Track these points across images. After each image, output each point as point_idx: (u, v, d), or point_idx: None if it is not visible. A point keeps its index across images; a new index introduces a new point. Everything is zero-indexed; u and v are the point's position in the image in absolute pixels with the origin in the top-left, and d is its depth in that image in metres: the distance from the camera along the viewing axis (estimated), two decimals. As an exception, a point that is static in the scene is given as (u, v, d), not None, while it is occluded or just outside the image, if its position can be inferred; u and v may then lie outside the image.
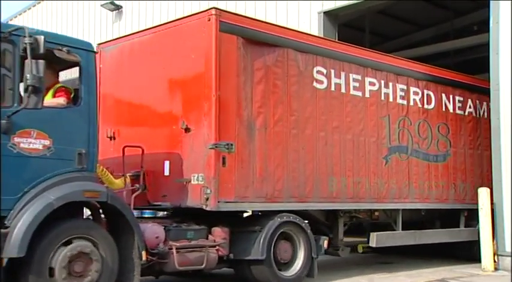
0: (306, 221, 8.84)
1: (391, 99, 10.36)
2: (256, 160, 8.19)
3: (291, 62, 8.75)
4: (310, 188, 8.87)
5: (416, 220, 11.80)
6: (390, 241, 10.50)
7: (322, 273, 9.49)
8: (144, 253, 6.60)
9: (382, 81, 10.23)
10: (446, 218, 12.01)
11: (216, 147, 7.69)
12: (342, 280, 9.53)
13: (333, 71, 9.37)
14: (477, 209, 11.76)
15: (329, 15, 14.20)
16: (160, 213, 9.94)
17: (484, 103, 12.41)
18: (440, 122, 11.34)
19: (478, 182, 11.98)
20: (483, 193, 11.05)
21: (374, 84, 10.07)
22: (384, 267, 11.29)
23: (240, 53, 8.11)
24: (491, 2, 11.22)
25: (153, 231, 7.11)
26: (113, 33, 17.70)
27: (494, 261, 10.70)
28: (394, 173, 10.29)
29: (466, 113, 12.01)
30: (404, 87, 10.66)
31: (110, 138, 8.73)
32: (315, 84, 9.08)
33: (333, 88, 9.35)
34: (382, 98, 10.21)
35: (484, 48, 12.54)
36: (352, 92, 9.65)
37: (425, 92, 11.10)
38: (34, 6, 23.32)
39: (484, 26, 13.09)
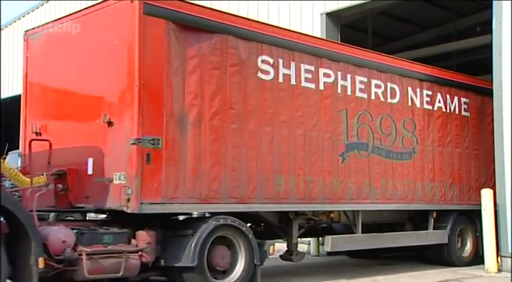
0: (249, 224, 7.97)
1: (349, 92, 9.39)
2: (189, 157, 7.25)
3: (231, 50, 7.81)
4: (253, 187, 7.92)
5: (384, 222, 11.04)
6: (348, 245, 9.58)
7: (324, 275, 9.36)
8: (41, 260, 5.67)
9: (339, 73, 9.27)
10: (418, 220, 11.18)
11: (138, 142, 6.74)
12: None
13: (281, 61, 8.42)
14: (447, 211, 11.06)
15: (331, 16, 13.93)
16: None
17: (455, 98, 11.48)
18: (405, 118, 10.35)
19: (447, 181, 11.06)
20: (486, 194, 10.70)
21: (329, 76, 9.11)
22: (387, 269, 10.71)
23: (170, 39, 7.17)
24: (494, 2, 10.70)
25: (58, 235, 6.13)
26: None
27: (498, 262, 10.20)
28: (353, 171, 9.34)
29: (435, 108, 11.03)
30: (365, 79, 9.69)
31: (36, 133, 7.88)
32: (259, 74, 8.14)
33: (281, 79, 8.40)
34: (339, 90, 9.24)
35: (486, 49, 12.20)
36: (303, 84, 8.69)
37: (389, 85, 10.13)
38: (42, 5, 22.46)
39: (486, 27, 12.57)
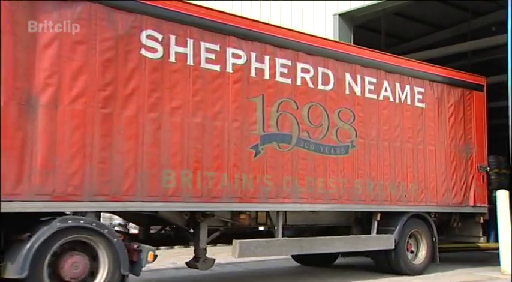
0: (116, 228, 6.60)
1: (266, 77, 7.87)
2: (39, 147, 5.81)
3: (102, 21, 6.35)
4: (131, 183, 6.45)
5: (328, 225, 9.59)
6: (262, 251, 7.92)
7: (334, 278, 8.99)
8: None
9: (254, 54, 7.77)
10: (367, 223, 9.69)
11: None
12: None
13: (173, 37, 6.99)
14: (396, 213, 9.54)
15: (344, 17, 13.55)
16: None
17: (407, 87, 9.91)
18: (342, 107, 8.81)
19: (395, 180, 9.46)
20: (502, 195, 10.30)
21: (239, 57, 7.62)
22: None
23: (8, 4, 5.89)
24: (509, 2, 9.42)
25: None
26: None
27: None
28: (270, 167, 7.82)
29: (381, 98, 9.45)
30: (289, 62, 8.20)
31: None
32: (143, 52, 6.74)
33: (172, 59, 6.97)
34: (253, 74, 7.76)
35: (502, 49, 11.54)
36: (204, 65, 7.20)
37: (321, 69, 8.57)
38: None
39: (502, 26, 11.96)
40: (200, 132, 7.13)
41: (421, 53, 16.68)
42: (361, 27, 15.25)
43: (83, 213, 6.49)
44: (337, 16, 13.59)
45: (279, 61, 8.05)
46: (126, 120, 6.47)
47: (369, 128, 9.20)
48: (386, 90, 9.53)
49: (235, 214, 8.00)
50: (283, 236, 8.42)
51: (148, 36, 6.75)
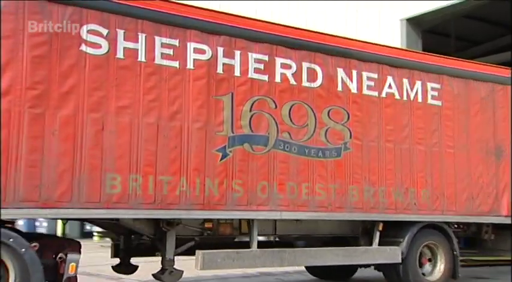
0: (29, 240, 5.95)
1: (237, 73, 7.06)
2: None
3: (33, 15, 5.87)
4: (65, 188, 5.84)
5: (330, 235, 8.63)
6: (230, 263, 6.99)
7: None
8: None
9: (221, 49, 7.00)
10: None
11: None
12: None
13: (121, 32, 6.38)
14: (405, 222, 8.39)
15: (412, 21, 13.15)
16: None
17: (418, 82, 8.73)
18: (332, 105, 7.84)
19: (401, 185, 8.29)
20: None
21: (203, 52, 6.85)
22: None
23: None
24: None
25: None
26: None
27: None
28: (239, 171, 6.98)
29: (383, 95, 8.32)
30: (266, 57, 7.29)
31: None
32: (83, 48, 6.17)
33: (120, 55, 6.29)
34: (220, 70, 6.96)
35: None
36: (159, 61, 6.51)
37: (306, 65, 7.62)
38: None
39: None
40: (153, 133, 6.43)
41: (492, 56, 15.71)
42: (429, 32, 14.46)
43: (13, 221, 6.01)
44: (405, 21, 13.08)
45: (253, 56, 7.21)
46: (61, 121, 5.89)
47: (368, 128, 8.13)
48: (390, 86, 8.41)
49: (207, 222, 7.27)
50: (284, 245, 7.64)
51: (90, 31, 6.18)
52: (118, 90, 6.27)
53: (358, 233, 8.67)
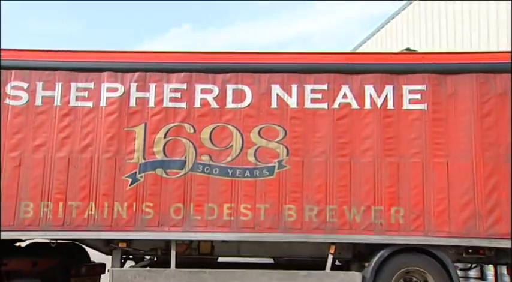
0: None
1: (151, 104, 7.38)
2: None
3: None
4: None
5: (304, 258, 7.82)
6: (141, 281, 7.01)
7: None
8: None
9: (134, 84, 7.45)
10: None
11: None
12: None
13: (40, 84, 7.43)
14: (375, 245, 7.14)
15: None
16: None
17: (388, 87, 7.46)
18: (265, 124, 7.35)
19: (361, 203, 7.13)
20: None
21: (116, 90, 7.45)
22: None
23: None
24: None
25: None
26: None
27: None
28: (150, 194, 7.14)
29: (336, 106, 7.42)
30: (184, 86, 7.44)
31: None
32: (8, 101, 7.40)
33: (38, 103, 7.38)
34: (133, 104, 7.41)
35: None
36: (74, 103, 7.37)
37: (232, 87, 7.45)
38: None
39: None
40: (64, 165, 7.23)
41: None
42: None
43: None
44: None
45: (169, 86, 7.47)
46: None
47: (312, 143, 7.31)
48: (345, 96, 7.45)
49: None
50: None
51: (14, 87, 7.45)
52: (35, 131, 7.34)
53: (348, 256, 7.69)
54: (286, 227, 7.15)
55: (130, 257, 7.96)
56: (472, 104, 7.43)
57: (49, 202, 7.16)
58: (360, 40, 24.35)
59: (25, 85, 7.49)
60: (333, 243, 7.24)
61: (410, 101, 7.46)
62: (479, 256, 7.53)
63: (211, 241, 7.64)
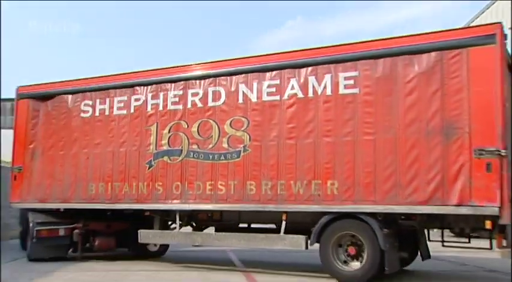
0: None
1: (160, 108, 9.83)
2: (35, 175, 10.94)
3: (63, 103, 10.82)
4: (71, 192, 10.50)
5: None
6: (158, 239, 10.04)
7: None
8: None
9: (150, 94, 9.89)
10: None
11: (12, 170, 11.19)
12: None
13: (98, 100, 10.47)
14: (318, 213, 8.40)
15: None
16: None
17: (327, 76, 8.43)
18: (234, 117, 9.05)
19: (304, 178, 8.35)
20: None
21: (139, 100, 9.98)
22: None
23: (29, 109, 11.23)
24: None
25: None
26: None
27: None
28: (160, 176, 9.64)
29: (286, 97, 8.62)
30: (180, 92, 9.60)
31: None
32: (82, 114, 10.56)
33: (97, 114, 10.48)
34: (149, 109, 9.92)
35: None
36: (116, 112, 10.29)
37: (210, 89, 9.36)
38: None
39: None
40: (110, 157, 10.21)
41: None
42: None
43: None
44: None
45: (170, 93, 9.73)
46: (71, 156, 10.71)
47: (268, 129, 8.80)
48: (293, 88, 8.68)
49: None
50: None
51: (85, 104, 10.62)
52: (95, 134, 10.43)
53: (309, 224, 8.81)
54: (249, 199, 8.90)
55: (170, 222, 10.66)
56: (396, 84, 7.93)
57: (103, 183, 10.26)
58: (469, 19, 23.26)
59: (90, 102, 10.63)
60: (285, 212, 8.72)
61: (345, 86, 8.33)
62: (413, 220, 8.09)
63: (221, 211, 9.76)
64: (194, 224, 10.38)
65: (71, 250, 10.88)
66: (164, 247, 11.56)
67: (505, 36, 7.50)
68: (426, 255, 9.44)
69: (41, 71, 69.35)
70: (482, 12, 22.51)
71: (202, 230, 10.26)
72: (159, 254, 11.51)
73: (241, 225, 10.16)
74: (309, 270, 9.29)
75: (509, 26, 17.04)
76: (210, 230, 10.16)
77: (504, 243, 7.50)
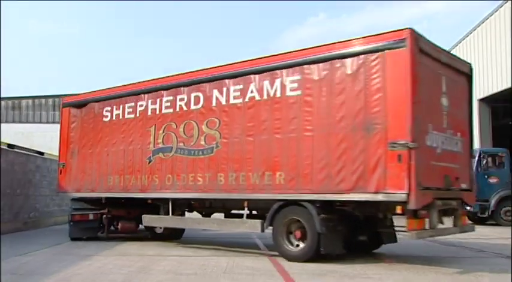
0: None
1: (157, 112, 11.41)
2: (73, 170, 13.01)
3: (91, 110, 12.81)
4: (96, 183, 12.48)
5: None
6: (158, 222, 11.80)
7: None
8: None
9: (150, 100, 11.45)
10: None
11: (58, 166, 13.36)
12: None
13: (115, 107, 12.28)
14: (272, 200, 9.49)
15: None
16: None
17: (277, 80, 9.44)
18: (209, 118, 10.35)
19: (259, 170, 9.43)
20: None
21: (142, 106, 11.58)
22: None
23: (70, 115, 13.34)
24: None
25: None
26: None
27: None
28: (157, 169, 11.22)
29: (247, 100, 9.76)
30: (171, 97, 11.09)
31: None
32: (103, 119, 12.36)
33: (114, 118, 12.32)
34: (149, 113, 11.56)
35: None
36: (126, 116, 12.06)
37: (193, 94, 10.70)
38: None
39: None
40: (122, 154, 11.98)
41: None
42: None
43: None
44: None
45: (164, 99, 11.24)
46: (97, 154, 12.62)
47: (234, 128, 9.99)
48: (252, 91, 9.79)
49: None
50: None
51: (106, 111, 12.50)
52: (112, 135, 12.28)
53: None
54: (219, 189, 10.18)
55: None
56: (330, 86, 8.74)
57: (118, 176, 12.07)
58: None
59: (109, 108, 12.48)
60: (246, 199, 9.88)
61: (291, 89, 9.28)
62: (346, 206, 8.85)
63: (211, 200, 11.13)
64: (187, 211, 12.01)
65: (100, 232, 12.88)
66: (171, 230, 12.76)
67: (416, 40, 8.05)
68: (389, 240, 10.09)
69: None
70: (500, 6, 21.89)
71: (208, 216, 11.77)
72: (167, 236, 12.86)
73: (236, 211, 11.47)
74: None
75: (510, 26, 16.79)
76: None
77: (415, 225, 8.12)
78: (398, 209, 8.06)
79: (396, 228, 9.56)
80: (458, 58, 9.92)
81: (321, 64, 8.95)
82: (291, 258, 9.15)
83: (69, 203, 14.68)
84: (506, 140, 20.59)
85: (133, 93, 12.10)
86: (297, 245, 9.24)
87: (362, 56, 8.47)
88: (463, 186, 9.41)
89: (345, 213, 9.26)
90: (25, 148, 17.63)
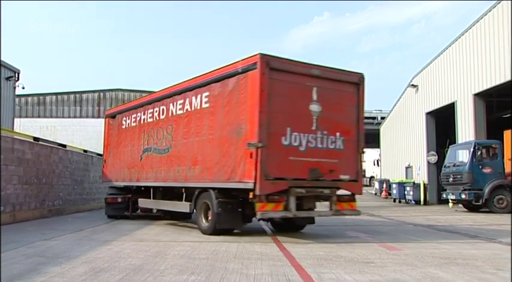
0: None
1: (145, 121, 14.57)
2: (109, 165, 16.75)
3: (117, 120, 16.39)
4: (119, 174, 16.07)
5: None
6: (148, 204, 14.89)
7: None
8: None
9: (142, 112, 14.71)
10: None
11: (102, 162, 17.17)
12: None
13: (127, 117, 15.62)
14: (197, 187, 11.97)
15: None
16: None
17: (199, 96, 11.97)
18: (168, 125, 13.09)
19: (188, 165, 11.98)
20: None
21: (138, 116, 14.80)
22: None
23: (108, 124, 17.26)
24: None
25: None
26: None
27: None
28: (144, 164, 14.23)
29: (184, 111, 12.34)
30: (151, 109, 14.14)
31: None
32: (122, 126, 15.68)
33: (127, 126, 15.76)
34: (142, 122, 14.73)
35: None
36: (131, 124, 15.38)
37: (161, 107, 13.59)
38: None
39: None
40: (129, 152, 15.35)
41: None
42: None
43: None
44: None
45: (148, 111, 14.23)
46: (120, 152, 16.16)
47: (178, 134, 12.68)
48: (187, 104, 12.38)
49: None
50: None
51: (123, 119, 15.88)
52: (127, 138, 15.60)
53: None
54: (171, 179, 13.00)
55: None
56: (222, 99, 11.01)
57: (127, 169, 15.45)
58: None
59: (125, 118, 15.94)
60: (183, 187, 12.49)
61: (204, 102, 11.71)
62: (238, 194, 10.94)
63: (168, 187, 13.91)
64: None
65: (126, 211, 16.39)
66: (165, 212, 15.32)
67: (265, 62, 9.90)
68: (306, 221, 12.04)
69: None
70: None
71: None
72: (159, 217, 15.61)
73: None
74: (330, 241, 10.42)
75: (510, 26, 17.00)
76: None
77: (267, 207, 10.02)
78: (251, 195, 10.06)
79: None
80: (344, 70, 11.27)
81: (218, 83, 11.26)
82: (202, 231, 11.63)
83: (89, 192, 18.46)
84: (500, 133, 20.47)
85: (134, 107, 15.48)
86: (207, 222, 11.69)
87: (236, 76, 10.63)
88: (344, 177, 10.91)
89: (237, 198, 11.28)
90: (49, 141, 18.86)
